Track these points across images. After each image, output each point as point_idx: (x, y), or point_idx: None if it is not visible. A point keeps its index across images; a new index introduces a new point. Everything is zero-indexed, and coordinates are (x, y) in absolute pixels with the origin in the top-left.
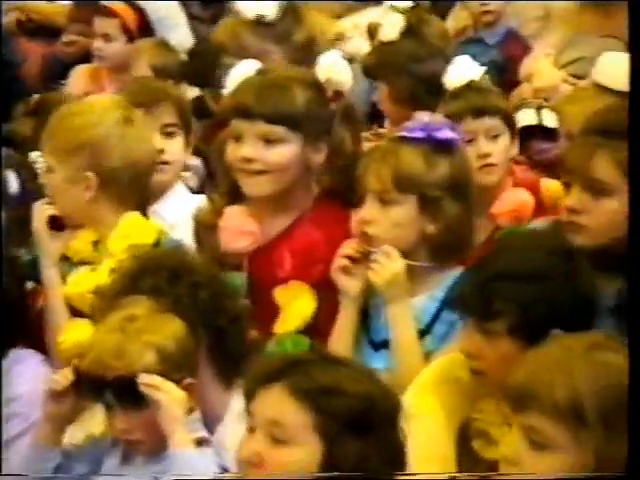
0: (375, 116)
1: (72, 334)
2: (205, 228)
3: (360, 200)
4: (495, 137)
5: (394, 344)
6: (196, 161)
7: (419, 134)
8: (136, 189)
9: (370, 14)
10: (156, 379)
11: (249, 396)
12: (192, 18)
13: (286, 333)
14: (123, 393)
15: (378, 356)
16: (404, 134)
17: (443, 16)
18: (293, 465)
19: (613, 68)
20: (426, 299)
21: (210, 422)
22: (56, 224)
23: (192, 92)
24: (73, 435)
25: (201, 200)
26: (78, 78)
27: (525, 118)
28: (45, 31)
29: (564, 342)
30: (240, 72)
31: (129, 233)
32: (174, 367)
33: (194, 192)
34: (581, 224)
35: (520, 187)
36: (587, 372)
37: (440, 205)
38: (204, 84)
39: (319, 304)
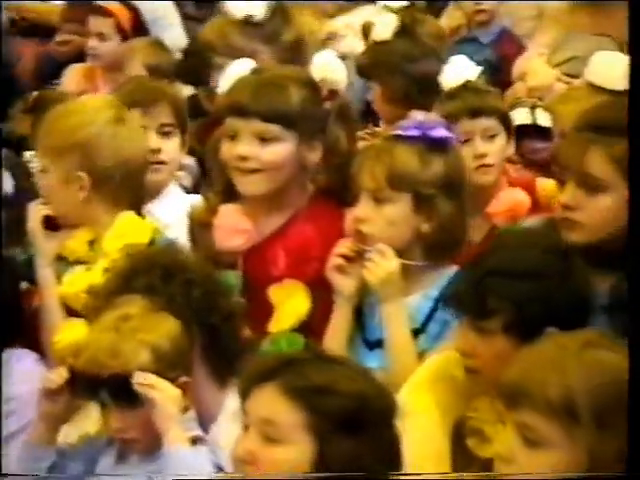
0: (370, 115)
1: (67, 334)
2: (200, 226)
3: (355, 198)
4: (492, 137)
5: (388, 343)
6: (190, 160)
7: (414, 133)
8: (130, 188)
9: (362, 14)
10: (151, 377)
11: (244, 395)
12: (186, 18)
13: (281, 332)
14: (118, 392)
15: (373, 355)
16: (399, 133)
17: (437, 15)
18: (285, 464)
19: (606, 67)
20: (420, 298)
21: (204, 421)
22: (51, 224)
23: (186, 91)
24: (68, 434)
25: (195, 200)
26: (72, 77)
27: (519, 117)
28: (39, 30)
29: (557, 340)
30: (235, 71)
31: (124, 232)
32: (169, 366)
33: (188, 192)
34: (575, 220)
35: (516, 187)
36: (580, 370)
37: (434, 204)
38: (198, 83)
39: (314, 302)
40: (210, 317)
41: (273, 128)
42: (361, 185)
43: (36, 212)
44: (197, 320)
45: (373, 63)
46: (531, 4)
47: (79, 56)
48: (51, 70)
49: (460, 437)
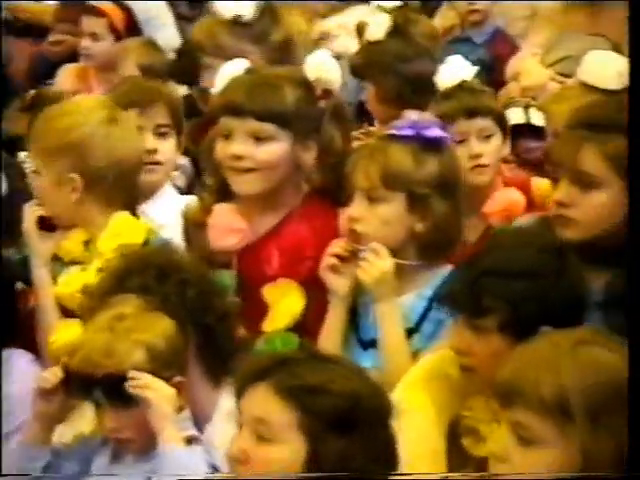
0: (365, 115)
1: (63, 334)
2: (194, 226)
3: (349, 198)
4: (487, 137)
5: (382, 343)
6: (184, 160)
7: (408, 132)
8: (123, 188)
9: (355, 13)
10: (145, 377)
11: (238, 394)
12: (179, 17)
13: (275, 331)
14: (112, 391)
15: (367, 355)
16: (393, 132)
17: (430, 15)
18: (277, 463)
19: (599, 67)
20: (414, 297)
21: (199, 421)
22: (46, 225)
23: (180, 91)
24: (62, 434)
25: (190, 200)
26: (65, 77)
27: (513, 117)
28: (32, 30)
29: (551, 338)
30: (229, 71)
31: (119, 233)
32: (163, 365)
33: (182, 192)
34: (570, 217)
35: (511, 186)
36: (574, 368)
37: (428, 203)
38: (192, 83)
39: (308, 302)
40: (205, 317)
41: (268, 127)
42: (355, 184)
43: (31, 213)
44: (192, 320)
45: (366, 63)
46: (524, 4)
47: (72, 56)
48: (44, 70)
49: (455, 436)
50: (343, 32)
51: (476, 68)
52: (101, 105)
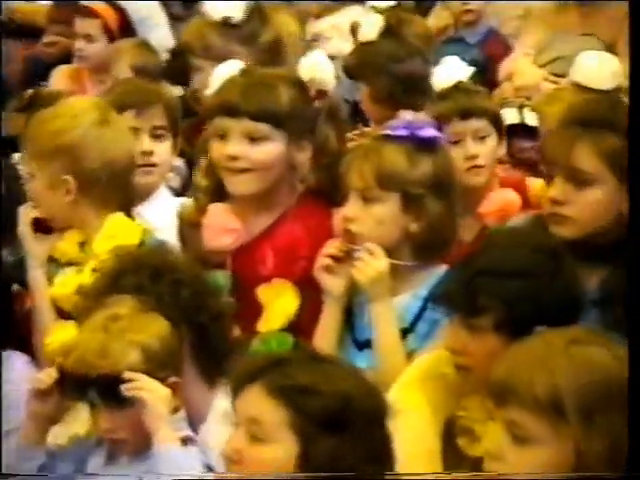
0: (360, 116)
1: (59, 336)
2: (189, 226)
3: (344, 198)
4: (482, 138)
5: (377, 343)
6: (178, 162)
7: (402, 132)
8: (117, 190)
9: (349, 14)
10: (141, 378)
11: (234, 394)
12: (172, 18)
13: (270, 331)
14: (107, 392)
15: (362, 355)
16: (387, 132)
17: (424, 15)
18: (270, 463)
19: (591, 67)
20: (409, 298)
21: (194, 421)
22: (41, 226)
23: (175, 92)
24: (57, 435)
25: (185, 201)
26: (59, 79)
27: (507, 117)
28: (26, 32)
29: (545, 337)
30: (224, 72)
31: (114, 234)
32: (158, 366)
33: (176, 193)
34: (565, 215)
35: (506, 187)
36: (567, 367)
37: (423, 203)
38: (185, 84)
39: (302, 302)
40: (199, 317)
41: (262, 127)
42: (350, 185)
43: (26, 215)
44: (186, 320)
45: (359, 63)
46: (518, 4)
47: (66, 57)
48: (38, 72)
49: (450, 436)
50: (336, 33)
51: (472, 69)
52: (93, 107)
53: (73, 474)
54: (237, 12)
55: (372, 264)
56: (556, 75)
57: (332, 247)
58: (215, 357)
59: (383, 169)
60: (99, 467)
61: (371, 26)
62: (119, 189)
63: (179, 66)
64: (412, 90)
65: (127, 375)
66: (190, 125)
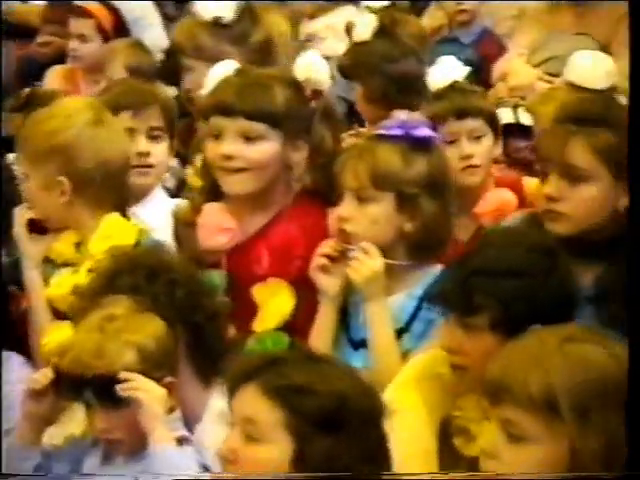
0: (355, 116)
1: (55, 336)
2: (184, 225)
3: (339, 198)
4: (478, 138)
5: (372, 342)
6: (173, 162)
7: (396, 132)
8: (112, 190)
9: (343, 14)
10: (136, 378)
11: (230, 393)
12: (166, 18)
13: (266, 331)
14: (103, 392)
15: (357, 355)
16: (381, 132)
17: (419, 15)
18: (265, 463)
19: (585, 67)
20: (404, 297)
21: (189, 421)
22: (36, 227)
23: (170, 92)
24: (53, 435)
25: (180, 202)
26: (53, 79)
27: (502, 117)
28: (20, 32)
29: (539, 335)
30: (219, 72)
31: (110, 234)
32: (154, 366)
33: (171, 193)
34: (560, 211)
35: (502, 186)
36: (561, 365)
37: (417, 203)
38: (179, 84)
39: (298, 302)
40: (194, 316)
41: (258, 127)
42: (344, 184)
43: (20, 216)
44: (181, 319)
45: (353, 63)
46: (512, 4)
47: (60, 58)
48: (32, 72)
49: (447, 436)
50: (330, 34)
51: (468, 68)
52: (87, 107)
53: (69, 474)
54: (228, 12)
55: (367, 263)
56: (550, 75)
57: (327, 247)
58: (210, 357)
59: (377, 169)
60: (95, 467)
61: (365, 26)
62: (114, 189)
63: (173, 66)
64: (406, 90)
65: (123, 375)
66: (184, 125)
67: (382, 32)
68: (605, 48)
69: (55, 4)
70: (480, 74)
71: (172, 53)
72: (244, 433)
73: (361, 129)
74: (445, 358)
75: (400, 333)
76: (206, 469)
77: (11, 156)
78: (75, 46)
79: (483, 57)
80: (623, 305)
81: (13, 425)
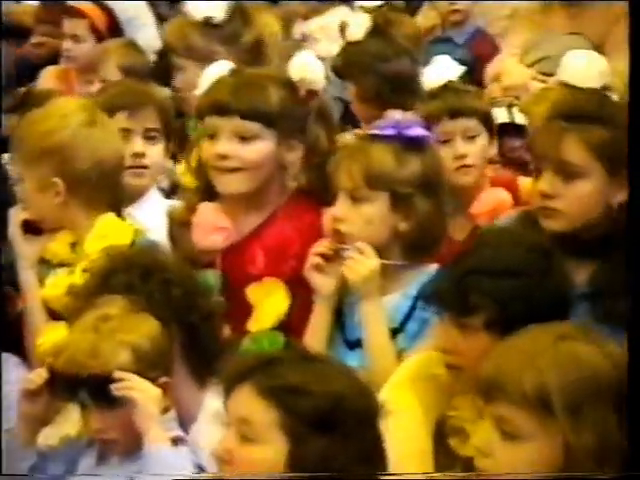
0: (351, 117)
1: (51, 337)
2: (179, 225)
3: (333, 198)
4: (472, 138)
5: (367, 342)
6: (169, 163)
7: (390, 132)
8: (107, 190)
9: (337, 15)
10: (131, 377)
11: (226, 394)
12: (160, 18)
13: (262, 330)
14: (98, 392)
15: (353, 355)
16: (375, 132)
17: (412, 15)
18: (260, 463)
19: (579, 66)
20: (399, 297)
21: (184, 421)
22: (31, 228)
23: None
24: (48, 436)
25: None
26: (47, 79)
27: (497, 117)
28: (14, 32)
29: (533, 333)
30: (213, 72)
31: (105, 234)
32: (149, 366)
33: (166, 193)
34: (554, 208)
35: (498, 186)
36: (555, 362)
37: (412, 202)
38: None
39: (293, 301)
40: (189, 316)
41: (253, 126)
42: (338, 184)
43: (15, 217)
44: (176, 319)
45: (346, 63)
46: (505, 4)
47: (54, 58)
48: (26, 72)
49: (442, 436)
50: (324, 34)
51: (463, 68)
52: (80, 108)
53: (64, 474)
54: (219, 12)
55: (364, 262)
56: (544, 74)
57: (322, 246)
58: (205, 357)
59: (371, 169)
60: (90, 468)
61: (358, 26)
62: (108, 189)
63: (166, 66)
64: (400, 89)
65: (117, 375)
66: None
67: (376, 32)
68: (598, 48)
69: (48, 4)
70: (473, 74)
71: (165, 53)
72: (239, 433)
73: (357, 131)
74: (440, 359)
75: (395, 333)
76: (201, 469)
77: (6, 157)
78: (69, 46)
79: (476, 57)
80: (618, 301)
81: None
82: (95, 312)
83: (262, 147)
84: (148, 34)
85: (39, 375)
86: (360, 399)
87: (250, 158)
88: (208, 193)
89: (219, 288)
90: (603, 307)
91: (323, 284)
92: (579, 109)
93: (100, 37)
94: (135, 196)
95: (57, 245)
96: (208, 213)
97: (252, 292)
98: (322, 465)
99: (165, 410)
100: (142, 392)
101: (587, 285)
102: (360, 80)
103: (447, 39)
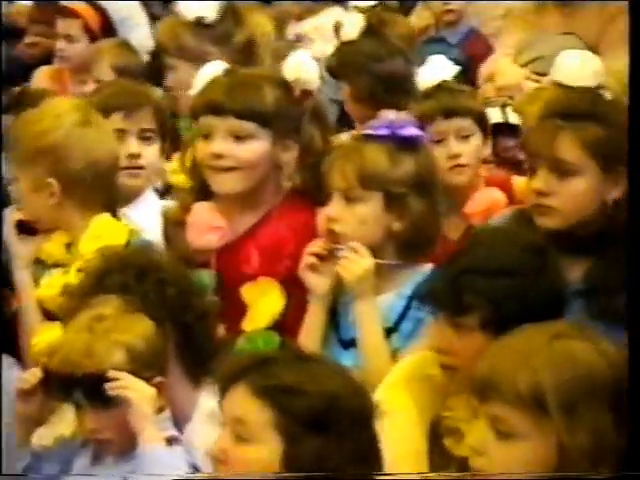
0: (346, 117)
1: (45, 337)
2: (174, 225)
3: (328, 198)
4: (466, 137)
5: (361, 342)
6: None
7: (383, 132)
8: (101, 190)
9: (330, 16)
10: (126, 377)
11: (221, 393)
12: (153, 18)
13: (257, 330)
14: (92, 392)
15: (347, 354)
16: (369, 132)
17: (406, 15)
18: (255, 463)
19: (572, 66)
20: (393, 297)
21: (179, 421)
22: (26, 228)
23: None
24: (42, 436)
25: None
26: (40, 80)
27: (491, 116)
28: (7, 32)
29: (527, 332)
30: (208, 72)
31: (100, 234)
32: (144, 366)
33: (160, 193)
34: (549, 206)
35: (492, 186)
36: (549, 361)
37: (405, 202)
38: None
39: (288, 301)
40: (184, 316)
41: (248, 126)
42: (332, 185)
43: (10, 217)
44: (171, 319)
45: (340, 63)
46: (499, 4)
47: (47, 58)
48: (19, 72)
49: (437, 436)
50: (318, 35)
51: (457, 68)
52: (74, 108)
53: (59, 474)
54: (211, 12)
55: (358, 262)
56: (538, 74)
57: (316, 246)
58: (200, 356)
59: (365, 169)
60: (85, 468)
61: (352, 26)
62: (103, 190)
63: (159, 66)
64: (394, 89)
65: (112, 374)
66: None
67: (370, 32)
68: (592, 48)
69: (42, 4)
70: (467, 74)
71: (157, 53)
72: (234, 433)
73: (352, 132)
74: (435, 359)
75: (389, 332)
76: (196, 469)
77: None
78: (62, 46)
79: (470, 57)
80: (613, 298)
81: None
82: (90, 312)
83: (257, 147)
84: (141, 34)
85: (33, 374)
86: (355, 399)
87: (245, 157)
88: (203, 193)
89: (214, 288)
90: (598, 304)
91: (317, 284)
92: (573, 107)
93: (93, 37)
94: (131, 197)
95: (52, 245)
96: (203, 213)
97: (247, 292)
98: (317, 465)
99: (160, 410)
100: (136, 392)
101: (582, 282)
102: (354, 80)
103: (441, 39)
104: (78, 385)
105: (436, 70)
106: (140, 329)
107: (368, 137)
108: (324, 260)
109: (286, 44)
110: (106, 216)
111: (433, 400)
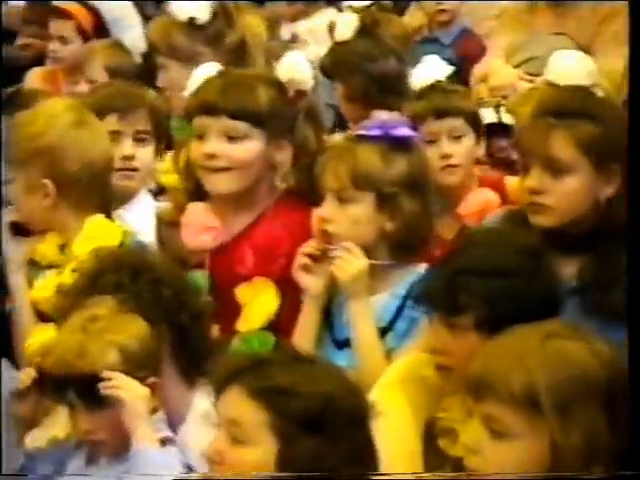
0: (341, 118)
1: (39, 338)
2: (168, 225)
3: (321, 198)
4: (458, 138)
5: (355, 342)
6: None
7: (376, 132)
8: (96, 191)
9: (324, 17)
10: (119, 377)
11: (216, 394)
12: (146, 19)
13: (252, 331)
14: (86, 392)
15: (341, 354)
16: (361, 132)
17: (400, 15)
18: (250, 464)
19: (565, 66)
20: (387, 297)
21: (173, 421)
22: (20, 229)
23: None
24: (36, 438)
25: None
26: (33, 81)
27: (484, 117)
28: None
29: (521, 332)
30: (202, 73)
31: (94, 235)
32: (137, 366)
33: (155, 194)
34: (543, 204)
35: (485, 186)
36: (543, 361)
37: (398, 202)
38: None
39: (282, 301)
40: (178, 316)
41: (241, 126)
42: (325, 185)
43: (4, 218)
44: (166, 320)
45: (334, 63)
46: (492, 4)
47: (40, 59)
48: (12, 73)
49: (431, 437)
50: (312, 37)
51: (451, 68)
52: (68, 108)
53: (53, 475)
54: (203, 13)
55: (352, 262)
56: (531, 75)
57: (309, 246)
58: (195, 357)
59: (357, 169)
60: (78, 469)
61: (346, 25)
62: (97, 191)
63: (152, 67)
64: (387, 89)
65: (105, 374)
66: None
67: (363, 32)
68: (584, 48)
69: (34, 5)
70: (460, 74)
71: (150, 54)
72: (229, 434)
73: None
74: (429, 360)
75: (384, 332)
76: (190, 469)
77: None
78: (55, 47)
79: (463, 57)
80: (607, 295)
81: None
82: (83, 312)
83: (251, 147)
84: (134, 34)
85: (27, 375)
86: (350, 399)
87: (239, 157)
88: (197, 193)
89: (208, 288)
90: (592, 301)
91: (311, 284)
92: (565, 106)
93: (86, 38)
94: (125, 198)
95: (46, 247)
96: (197, 213)
97: (241, 292)
98: (312, 466)
99: (154, 410)
100: (130, 392)
101: (576, 279)
102: (347, 80)
103: (434, 39)
104: (72, 385)
105: (430, 70)
106: (134, 329)
107: (361, 137)
108: (318, 260)
109: (279, 45)
110: (100, 217)
111: (428, 401)
